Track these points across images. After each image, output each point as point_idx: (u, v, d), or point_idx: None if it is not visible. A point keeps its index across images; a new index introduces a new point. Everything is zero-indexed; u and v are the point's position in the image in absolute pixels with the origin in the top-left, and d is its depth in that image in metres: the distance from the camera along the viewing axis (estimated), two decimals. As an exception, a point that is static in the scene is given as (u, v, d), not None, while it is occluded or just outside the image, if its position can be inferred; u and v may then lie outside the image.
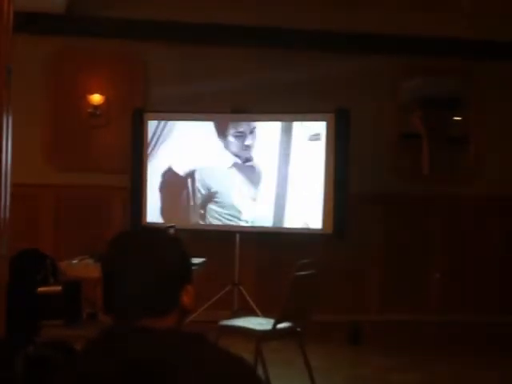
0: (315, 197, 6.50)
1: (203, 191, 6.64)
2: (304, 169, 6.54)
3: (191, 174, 6.65)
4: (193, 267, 1.56)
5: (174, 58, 6.97)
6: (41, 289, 4.36)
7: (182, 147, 6.68)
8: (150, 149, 6.69)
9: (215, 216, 6.63)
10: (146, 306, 1.43)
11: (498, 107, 7.28)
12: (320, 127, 6.52)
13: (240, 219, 6.59)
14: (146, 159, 6.69)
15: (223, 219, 6.61)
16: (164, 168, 6.69)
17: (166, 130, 6.70)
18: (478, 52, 7.22)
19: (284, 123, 6.61)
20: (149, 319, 1.42)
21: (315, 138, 6.52)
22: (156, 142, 6.71)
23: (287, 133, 6.58)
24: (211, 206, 6.63)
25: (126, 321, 1.43)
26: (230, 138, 6.65)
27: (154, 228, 1.56)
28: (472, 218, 7.24)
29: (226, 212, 6.61)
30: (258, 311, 6.19)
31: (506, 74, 7.27)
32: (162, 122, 6.70)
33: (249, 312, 6.06)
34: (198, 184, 6.64)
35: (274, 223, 6.56)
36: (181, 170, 6.68)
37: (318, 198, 6.50)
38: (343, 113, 6.51)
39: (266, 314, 5.30)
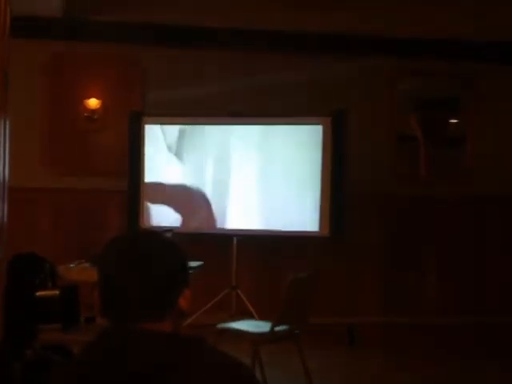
0: (312, 199, 6.50)
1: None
2: (301, 171, 6.54)
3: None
4: (190, 271, 1.56)
5: (172, 61, 6.96)
6: (39, 293, 4.35)
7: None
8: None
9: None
10: (143, 310, 1.43)
11: (495, 109, 7.28)
12: (317, 130, 6.53)
13: (238, 222, 6.61)
14: (143, 163, 6.69)
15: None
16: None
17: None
18: (475, 54, 7.22)
19: (280, 126, 6.63)
20: (146, 323, 1.42)
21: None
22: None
23: (283, 136, 6.60)
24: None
25: (124, 324, 1.43)
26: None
27: (151, 232, 1.56)
28: (471, 218, 7.24)
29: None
30: (255, 314, 6.19)
31: (503, 76, 7.27)
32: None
33: (247, 315, 6.06)
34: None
35: (271, 226, 6.56)
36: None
37: (315, 200, 6.50)
38: (340, 114, 6.52)
39: (263, 316, 5.30)
